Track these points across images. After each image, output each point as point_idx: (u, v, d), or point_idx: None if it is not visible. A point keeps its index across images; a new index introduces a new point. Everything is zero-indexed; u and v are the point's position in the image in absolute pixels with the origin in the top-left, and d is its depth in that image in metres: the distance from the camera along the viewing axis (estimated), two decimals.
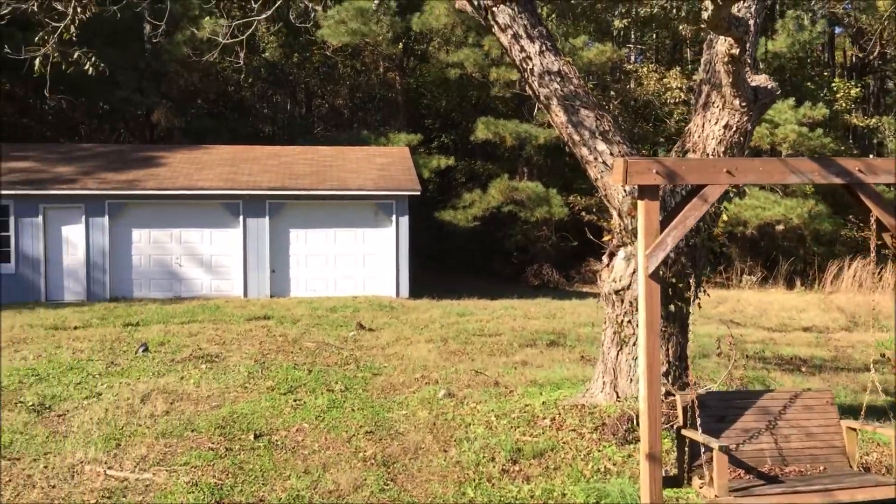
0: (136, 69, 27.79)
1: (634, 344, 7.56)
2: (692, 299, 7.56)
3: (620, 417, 7.04)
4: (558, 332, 14.06)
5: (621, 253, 7.64)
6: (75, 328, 14.26)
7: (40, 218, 19.59)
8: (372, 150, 24.61)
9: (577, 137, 7.62)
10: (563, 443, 6.84)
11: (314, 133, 33.22)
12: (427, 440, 7.04)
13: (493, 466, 6.34)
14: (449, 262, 31.21)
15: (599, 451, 6.66)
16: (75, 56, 10.27)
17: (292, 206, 20.47)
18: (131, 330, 13.94)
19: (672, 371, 7.50)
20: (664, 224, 5.06)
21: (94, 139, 30.80)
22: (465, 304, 18.90)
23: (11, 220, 19.47)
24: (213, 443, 6.89)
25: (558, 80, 7.65)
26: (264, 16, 13.52)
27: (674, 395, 6.07)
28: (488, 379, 9.54)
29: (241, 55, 17.36)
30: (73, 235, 19.84)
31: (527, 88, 8.22)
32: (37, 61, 9.51)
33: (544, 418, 7.52)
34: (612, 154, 7.47)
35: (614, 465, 6.35)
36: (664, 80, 29.26)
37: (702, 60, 7.72)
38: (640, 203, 4.97)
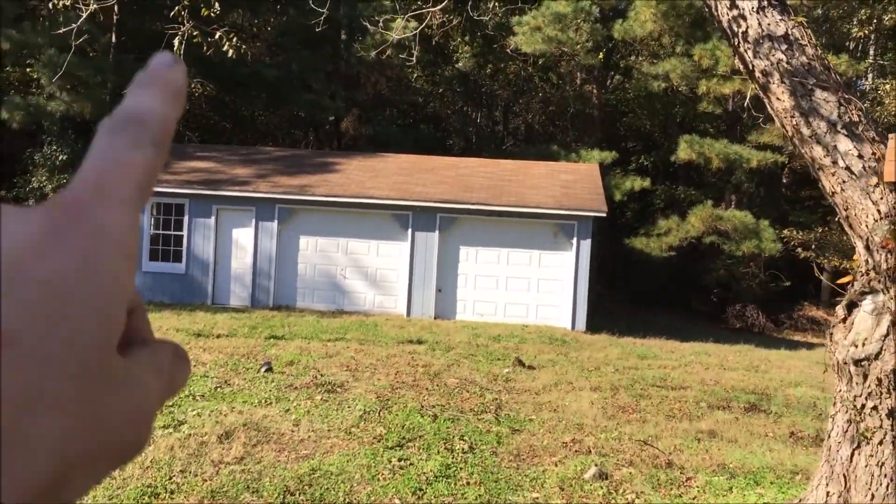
0: (326, 73, 27.56)
1: (881, 443, 5.04)
2: None
3: None
4: (761, 392, 11.31)
5: (867, 303, 5.12)
6: (218, 336, 13.34)
7: (213, 219, 19.24)
8: (557, 165, 22.53)
9: (806, 131, 5.21)
10: None
11: (504, 147, 31.64)
12: None
13: None
14: (637, 295, 28.26)
15: None
16: (216, 36, 9.23)
17: (464, 221, 18.83)
18: (270, 343, 12.78)
19: None
20: None
21: (286, 145, 30.99)
22: (649, 344, 16.36)
23: (186, 219, 19.25)
24: None
25: (783, 47, 5.29)
26: (438, 7, 11.92)
27: None
28: (659, 455, 7.21)
29: (416, 51, 16.08)
30: (243, 239, 19.34)
31: (737, 62, 5.90)
32: (175, 40, 8.48)
33: None
34: (860, 156, 5.02)
35: None
36: None
37: None
38: None
